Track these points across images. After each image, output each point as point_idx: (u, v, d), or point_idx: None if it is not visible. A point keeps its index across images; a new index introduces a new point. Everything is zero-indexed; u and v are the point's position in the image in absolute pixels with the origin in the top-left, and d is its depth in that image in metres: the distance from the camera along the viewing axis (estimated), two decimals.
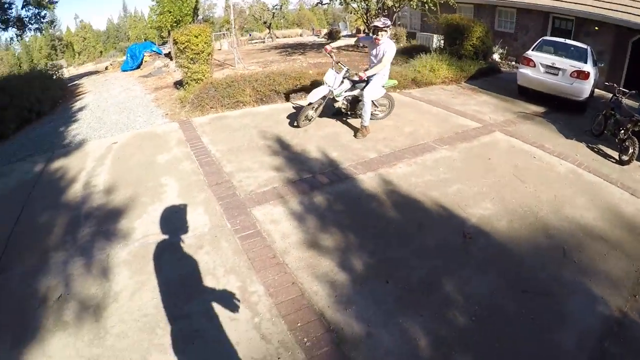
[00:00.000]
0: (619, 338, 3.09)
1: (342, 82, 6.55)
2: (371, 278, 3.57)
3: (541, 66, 8.88)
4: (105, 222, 4.41)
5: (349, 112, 7.08)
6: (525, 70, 9.25)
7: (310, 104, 6.57)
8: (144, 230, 4.23)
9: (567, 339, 3.04)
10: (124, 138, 6.98)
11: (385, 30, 6.12)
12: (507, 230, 4.24)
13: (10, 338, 3.03)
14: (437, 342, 2.99)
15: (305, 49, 17.73)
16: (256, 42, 29.66)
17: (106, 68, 21.09)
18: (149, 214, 4.52)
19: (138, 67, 17.20)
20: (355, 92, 6.71)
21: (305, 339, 2.97)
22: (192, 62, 8.90)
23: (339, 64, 6.73)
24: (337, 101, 6.80)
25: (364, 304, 3.30)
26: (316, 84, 8.39)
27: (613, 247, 4.06)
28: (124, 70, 17.21)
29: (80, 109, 10.00)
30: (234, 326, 3.08)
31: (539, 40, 9.88)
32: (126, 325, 3.12)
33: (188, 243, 4.01)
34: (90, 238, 4.15)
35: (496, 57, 15.01)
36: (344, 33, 30.09)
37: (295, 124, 6.83)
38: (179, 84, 10.23)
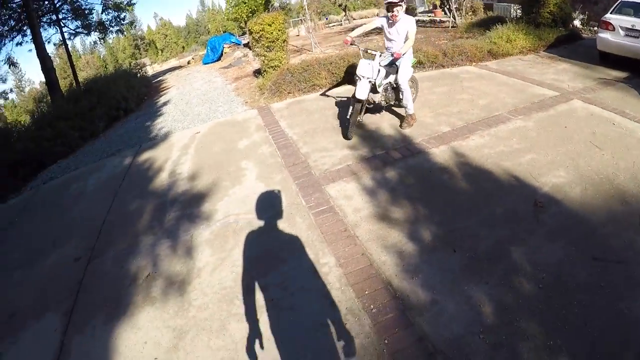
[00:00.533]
0: None
1: (379, 70, 5.64)
2: (438, 248, 3.66)
3: (620, 29, 8.27)
4: (189, 206, 4.84)
5: (389, 103, 6.34)
6: (604, 35, 8.66)
7: (358, 101, 5.59)
8: (224, 212, 4.60)
9: (639, 309, 2.91)
10: (206, 127, 7.46)
11: (401, 5, 5.51)
12: (581, 198, 4.11)
13: (104, 314, 3.47)
14: (502, 309, 3.02)
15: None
16: (333, 25, 29.73)
17: (188, 62, 22.16)
18: (229, 196, 4.89)
19: (219, 59, 17.95)
20: (391, 79, 6.06)
21: (372, 306, 3.14)
22: (268, 50, 9.22)
23: (368, 51, 5.85)
24: (376, 94, 5.96)
25: (430, 272, 3.40)
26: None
27: None
28: (205, 63, 18.04)
29: (165, 104, 10.67)
30: (306, 295, 3.33)
31: (617, 2, 9.18)
32: (207, 297, 3.47)
33: (265, 220, 4.31)
34: (176, 221, 4.59)
35: (577, 23, 14.05)
36: (420, 9, 29.31)
37: (348, 136, 5.87)
38: (257, 73, 10.61)
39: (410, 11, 24.48)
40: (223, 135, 6.86)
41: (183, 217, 4.65)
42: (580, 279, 3.21)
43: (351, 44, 5.74)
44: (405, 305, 3.14)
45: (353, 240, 3.85)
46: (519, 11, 13.42)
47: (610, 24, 8.50)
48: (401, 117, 6.36)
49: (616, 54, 8.55)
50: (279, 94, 8.47)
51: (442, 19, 19.00)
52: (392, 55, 5.62)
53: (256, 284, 3.52)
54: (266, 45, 9.15)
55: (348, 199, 4.51)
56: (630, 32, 8.11)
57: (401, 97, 6.07)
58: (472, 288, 3.22)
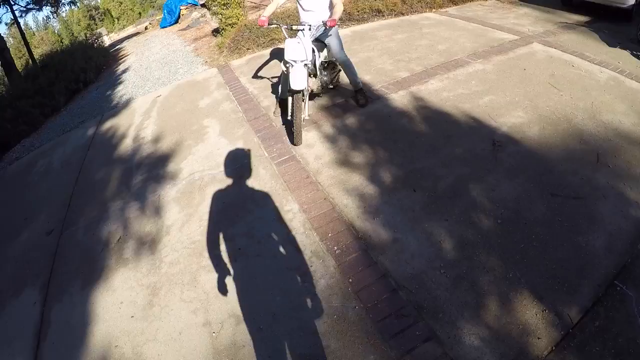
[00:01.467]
0: None
1: (313, 49, 4.45)
2: (399, 189, 3.71)
3: None
4: (154, 167, 4.80)
5: (327, 87, 5.30)
6: None
7: (296, 92, 4.32)
8: (190, 169, 4.57)
9: (595, 241, 3.00)
10: (167, 90, 7.30)
11: None
12: (539, 137, 4.18)
13: (80, 281, 3.48)
14: (462, 244, 3.10)
15: None
16: None
17: (146, 28, 21.41)
18: (193, 155, 4.85)
19: (176, 21, 17.34)
20: (323, 57, 4.86)
21: (336, 247, 3.20)
22: (224, 7, 9.01)
23: (293, 27, 4.44)
24: (314, 79, 4.91)
25: (392, 212, 3.46)
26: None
27: None
28: (163, 27, 17.42)
29: (124, 71, 10.40)
30: (272, 242, 3.38)
31: None
32: (177, 253, 3.50)
33: (229, 174, 4.32)
34: (143, 184, 4.55)
35: None
36: None
37: (295, 142, 4.59)
38: (216, 32, 10.38)
39: None
40: (184, 96, 6.73)
41: (149, 179, 4.61)
42: (539, 214, 3.29)
43: (269, 25, 4.38)
44: (367, 245, 3.20)
45: (315, 187, 3.88)
46: None
47: None
48: (350, 94, 5.42)
49: None
50: (238, 51, 8.30)
51: None
52: (324, 25, 4.20)
53: (223, 235, 3.55)
54: (222, 3, 8.93)
55: (309, 147, 4.52)
56: None
57: (343, 74, 5.22)
58: (432, 225, 3.29)
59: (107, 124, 6.47)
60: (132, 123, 6.22)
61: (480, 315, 2.63)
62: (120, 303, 3.17)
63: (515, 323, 2.57)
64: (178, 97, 6.73)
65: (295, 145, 4.56)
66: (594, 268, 2.83)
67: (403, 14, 9.10)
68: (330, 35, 4.76)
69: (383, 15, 9.04)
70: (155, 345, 2.80)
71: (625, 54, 6.13)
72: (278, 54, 7.50)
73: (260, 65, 7.18)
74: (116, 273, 3.46)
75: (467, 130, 4.42)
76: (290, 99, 4.48)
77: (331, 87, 5.34)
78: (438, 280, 2.86)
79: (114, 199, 4.42)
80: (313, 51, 4.45)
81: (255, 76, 6.72)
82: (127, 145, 5.55)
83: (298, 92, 4.30)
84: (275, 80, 6.34)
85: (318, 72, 4.82)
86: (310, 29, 4.36)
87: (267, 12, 4.50)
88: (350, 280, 2.92)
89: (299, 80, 4.21)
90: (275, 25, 4.44)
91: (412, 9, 9.18)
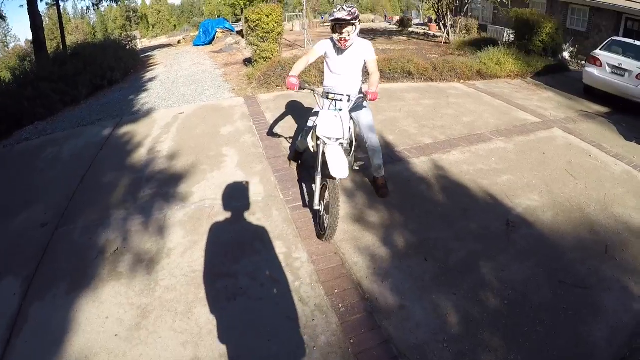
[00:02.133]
0: None
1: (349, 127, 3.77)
2: (411, 255, 3.70)
3: (608, 66, 8.56)
4: (165, 185, 4.77)
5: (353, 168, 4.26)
6: (591, 70, 8.94)
7: (330, 177, 3.51)
8: (201, 195, 4.54)
9: (597, 332, 3.03)
10: (190, 109, 7.38)
11: (354, 25, 3.76)
12: (552, 222, 4.23)
13: (67, 284, 3.37)
14: (467, 320, 3.08)
15: (376, 35, 17.88)
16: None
17: (179, 42, 21.91)
18: (207, 181, 4.84)
19: (210, 42, 17.80)
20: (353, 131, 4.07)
21: (340, 305, 3.15)
22: (261, 40, 9.24)
23: (329, 95, 3.72)
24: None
25: (401, 278, 3.44)
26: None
27: None
28: (195, 45, 17.86)
29: (151, 80, 10.54)
30: (275, 287, 3.32)
31: (608, 40, 9.49)
32: (175, 279, 3.41)
33: (241, 209, 4.28)
34: (150, 199, 4.51)
35: (566, 55, 14.44)
36: (415, 21, 29.67)
37: (323, 237, 3.76)
38: (248, 62, 10.59)
39: (406, 22, 24.52)
40: (207, 119, 6.80)
41: (158, 195, 4.57)
42: (545, 299, 3.30)
43: (300, 90, 3.71)
44: (373, 307, 3.16)
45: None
46: (511, 36, 13.73)
47: (599, 60, 8.76)
48: (371, 183, 4.78)
49: (600, 89, 8.83)
50: (267, 86, 8.44)
51: (435, 33, 19.32)
52: (364, 97, 3.69)
53: (226, 271, 3.49)
54: (261, 35, 9.17)
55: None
56: (617, 70, 8.38)
57: (368, 157, 4.46)
58: (440, 297, 3.28)
59: (125, 129, 6.51)
60: (150, 134, 6.25)
61: None
62: (105, 318, 3.05)
63: None
64: (200, 119, 6.80)
65: (323, 240, 3.80)
66: (594, 359, 2.85)
67: (432, 80, 9.36)
68: (362, 109, 4.19)
69: (413, 78, 9.28)
70: None
71: None
72: (309, 97, 7.54)
73: (288, 104, 7.28)
74: (107, 285, 3.35)
75: (484, 207, 4.46)
76: (318, 185, 3.67)
77: (356, 168, 4.39)
78: (440, 354, 2.83)
79: (118, 207, 4.37)
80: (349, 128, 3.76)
81: (281, 116, 6.79)
82: (141, 155, 5.56)
83: (331, 178, 3.52)
84: (301, 123, 6.36)
85: (352, 152, 4.09)
86: (349, 100, 3.68)
87: (296, 70, 3.79)
88: (352, 341, 2.88)
89: (340, 165, 3.42)
90: (309, 91, 3.77)
91: (442, 77, 9.46)
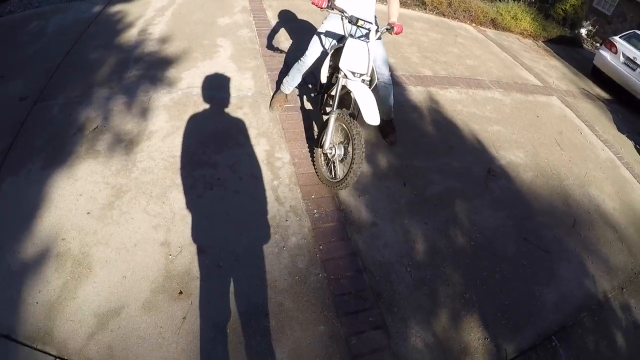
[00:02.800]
0: (593, 316, 3.19)
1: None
2: (391, 177, 3.71)
3: (622, 56, 8.39)
4: (153, 67, 4.51)
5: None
6: (605, 53, 8.77)
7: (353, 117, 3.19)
8: (189, 82, 4.33)
9: (549, 295, 3.18)
10: None
11: None
12: (530, 182, 4.28)
13: (42, 160, 3.22)
14: (433, 251, 3.17)
15: None
16: None
17: None
18: (198, 68, 4.60)
19: None
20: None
21: (315, 211, 3.16)
22: None
23: (359, 21, 3.06)
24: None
25: (378, 196, 3.46)
26: None
27: (620, 239, 4.05)
28: None
29: None
30: (254, 183, 3.28)
31: (630, 31, 9.26)
32: (154, 162, 3.31)
33: (229, 101, 4.14)
34: (136, 80, 4.27)
35: (583, 32, 14.17)
36: None
37: (340, 186, 3.21)
38: None
39: None
40: (205, 7, 6.37)
41: (145, 77, 4.33)
42: (508, 251, 3.41)
43: (329, 9, 2.97)
44: (346, 219, 3.18)
45: (312, 143, 3.80)
46: None
47: (615, 46, 8.60)
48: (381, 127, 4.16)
49: (609, 75, 8.71)
50: None
51: None
52: (391, 30, 3.16)
53: (206, 160, 3.41)
54: None
55: (317, 104, 4.33)
56: (630, 62, 8.25)
57: (378, 96, 3.69)
58: (411, 223, 3.32)
59: (117, 7, 6.03)
60: (143, 15, 5.83)
61: (430, 321, 2.71)
62: (79, 195, 2.96)
63: (459, 340, 2.67)
64: (198, 6, 6.37)
65: (335, 190, 3.38)
66: (540, 318, 3.01)
67: (444, 15, 9.03)
68: (378, 40, 3.49)
69: (425, 9, 8.95)
70: (106, 250, 2.66)
71: (629, 143, 6.35)
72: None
73: (291, 4, 6.90)
74: (83, 163, 3.22)
75: (470, 149, 4.45)
76: (332, 124, 3.21)
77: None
78: (402, 276, 2.90)
79: (102, 85, 4.12)
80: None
81: (283, 18, 6.45)
82: (131, 35, 5.20)
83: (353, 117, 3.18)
84: (302, 26, 6.11)
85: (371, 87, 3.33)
86: (377, 31, 3.14)
87: None
88: (321, 247, 2.91)
89: (373, 109, 2.95)
90: (338, 13, 3.04)
91: (455, 15, 9.12)
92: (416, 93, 5.18)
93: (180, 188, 3.13)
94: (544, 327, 2.94)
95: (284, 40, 5.70)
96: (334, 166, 3.29)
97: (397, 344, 2.51)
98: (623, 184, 5.00)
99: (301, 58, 3.70)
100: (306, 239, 2.94)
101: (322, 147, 3.27)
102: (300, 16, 6.56)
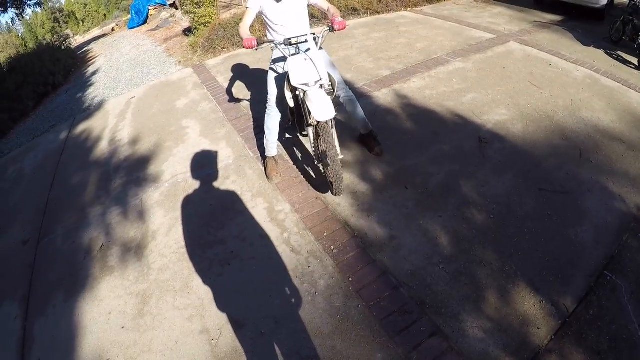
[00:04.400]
0: (636, 234, 3.11)
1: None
2: (390, 186, 3.70)
3: None
4: (134, 170, 4.63)
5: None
6: None
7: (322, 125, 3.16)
8: (172, 172, 4.43)
9: (584, 234, 3.10)
10: (141, 91, 7.12)
11: None
12: (523, 133, 4.26)
13: (63, 293, 3.26)
14: (458, 239, 3.13)
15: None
16: None
17: (113, 29, 21.00)
18: (174, 156, 4.70)
19: (144, 22, 17.03)
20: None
21: (332, 247, 3.15)
22: (197, 6, 8.97)
23: (292, 41, 3.21)
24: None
25: (385, 210, 3.45)
26: None
27: (631, 147, 4.01)
28: (131, 28, 17.08)
29: (94, 73, 10.20)
30: (266, 243, 3.29)
31: None
32: (166, 258, 3.35)
33: (215, 176, 4.20)
34: (123, 188, 4.37)
35: None
36: None
37: (334, 192, 3.50)
38: (188, 31, 10.28)
39: None
40: (160, 97, 6.57)
41: (130, 182, 4.44)
42: (529, 208, 3.35)
43: (259, 46, 3.21)
44: (364, 243, 3.17)
45: (306, 186, 3.83)
46: None
47: None
48: (361, 141, 4.32)
49: None
50: (212, 51, 8.20)
51: None
52: (332, 29, 3.23)
53: (214, 238, 3.44)
54: (195, 2, 8.86)
55: (296, 146, 4.44)
56: None
57: (347, 111, 3.97)
58: (427, 222, 3.30)
59: (80, 127, 6.24)
60: (107, 125, 6.01)
61: (481, 308, 2.65)
62: (108, 314, 3.00)
63: (515, 314, 2.61)
64: (153, 98, 6.57)
65: (336, 196, 3.54)
66: (585, 259, 2.92)
67: (379, 13, 9.19)
68: (320, 48, 3.42)
69: (359, 14, 9.12)
70: (151, 356, 2.66)
71: (600, 52, 6.34)
72: (258, 52, 7.30)
73: (238, 64, 7.09)
74: (102, 282, 3.28)
75: (453, 128, 4.45)
76: (312, 137, 3.52)
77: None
78: (437, 276, 2.87)
79: (94, 205, 4.22)
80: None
81: (234, 78, 6.60)
82: (103, 148, 5.35)
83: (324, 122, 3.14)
84: (255, 79, 6.22)
85: (334, 91, 3.33)
86: (315, 39, 3.23)
87: (245, 32, 3.40)
88: (350, 279, 2.89)
89: (324, 107, 3.02)
90: (268, 44, 3.27)
91: (388, 8, 9.28)
92: (383, 97, 5.24)
93: (200, 273, 3.15)
94: (592, 266, 2.87)
95: (245, 93, 5.89)
96: (327, 175, 3.45)
97: (457, 342, 2.47)
98: (610, 94, 4.99)
99: (266, 105, 3.80)
100: (334, 277, 2.93)
101: (318, 159, 3.55)
102: (252, 67, 6.78)
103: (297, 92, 3.28)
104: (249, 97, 5.73)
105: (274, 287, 2.94)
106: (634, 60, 6.08)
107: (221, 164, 4.37)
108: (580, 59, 6.02)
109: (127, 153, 5.04)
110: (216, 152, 4.58)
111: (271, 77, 3.72)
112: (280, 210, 3.59)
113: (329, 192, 3.62)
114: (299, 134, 4.17)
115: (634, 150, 3.99)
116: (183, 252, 3.37)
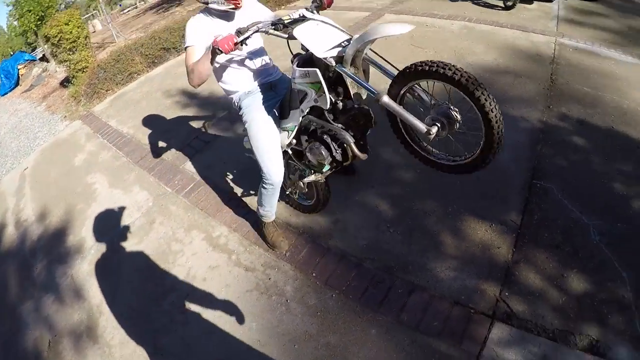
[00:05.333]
0: (547, 141, 3.50)
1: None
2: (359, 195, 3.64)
3: None
4: (53, 248, 4.15)
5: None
6: None
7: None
8: (93, 235, 4.05)
9: (504, 157, 3.38)
10: (32, 160, 6.52)
11: None
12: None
13: None
14: (396, 202, 3.27)
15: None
16: (129, 11, 27.46)
17: None
18: (90, 218, 4.31)
19: (17, 84, 15.84)
20: None
21: (285, 251, 3.13)
22: (71, 52, 8.32)
23: (285, 21, 2.29)
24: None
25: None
26: None
27: (517, 75, 4.41)
28: (3, 95, 15.83)
29: None
30: (218, 273, 3.15)
31: None
32: (123, 329, 3.05)
33: (139, 224, 3.93)
34: (47, 271, 3.90)
35: None
36: None
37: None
38: (66, 82, 9.55)
39: None
40: (54, 159, 6.05)
41: (52, 262, 3.97)
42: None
43: (242, 43, 2.20)
44: (312, 236, 3.18)
45: (235, 203, 3.73)
46: None
47: None
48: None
49: None
50: (97, 96, 7.69)
51: None
52: (317, 4, 2.44)
53: (163, 288, 3.21)
54: (68, 47, 8.22)
55: (210, 169, 4.33)
56: None
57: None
58: (362, 196, 3.40)
59: None
60: (7, 208, 5.38)
61: (442, 252, 2.84)
62: None
63: (474, 245, 2.85)
64: (48, 163, 6.04)
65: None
66: (513, 177, 3.33)
67: None
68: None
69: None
70: None
71: (468, 4, 6.92)
72: (145, 84, 7.13)
73: (126, 103, 6.81)
74: None
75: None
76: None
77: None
78: (392, 240, 2.98)
79: (23, 301, 3.71)
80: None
81: (126, 116, 6.29)
82: (10, 234, 4.74)
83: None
84: (149, 113, 6.00)
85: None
86: (308, 9, 2.38)
87: (198, 55, 2.40)
88: (314, 274, 2.88)
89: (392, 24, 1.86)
90: (255, 33, 2.27)
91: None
92: None
93: (164, 330, 2.92)
94: (521, 181, 3.28)
95: (144, 130, 5.63)
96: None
97: (435, 288, 2.62)
98: (487, 37, 5.41)
99: (261, 175, 2.75)
100: (297, 278, 2.90)
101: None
102: (140, 105, 6.53)
103: (330, 72, 2.18)
104: (152, 131, 5.49)
105: (244, 312, 2.81)
106: (500, 3, 6.71)
107: (142, 209, 4.11)
108: (452, 13, 6.46)
109: (39, 231, 4.51)
110: (133, 199, 4.30)
111: (259, 125, 2.67)
112: (219, 235, 3.47)
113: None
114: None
115: (521, 77, 4.40)
116: (137, 315, 3.09)
